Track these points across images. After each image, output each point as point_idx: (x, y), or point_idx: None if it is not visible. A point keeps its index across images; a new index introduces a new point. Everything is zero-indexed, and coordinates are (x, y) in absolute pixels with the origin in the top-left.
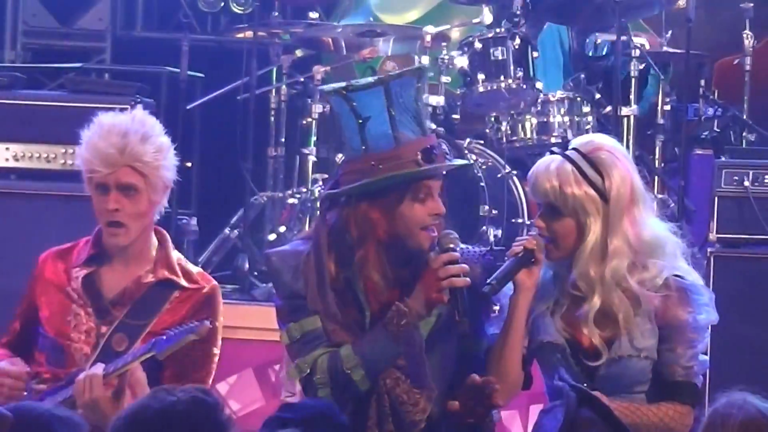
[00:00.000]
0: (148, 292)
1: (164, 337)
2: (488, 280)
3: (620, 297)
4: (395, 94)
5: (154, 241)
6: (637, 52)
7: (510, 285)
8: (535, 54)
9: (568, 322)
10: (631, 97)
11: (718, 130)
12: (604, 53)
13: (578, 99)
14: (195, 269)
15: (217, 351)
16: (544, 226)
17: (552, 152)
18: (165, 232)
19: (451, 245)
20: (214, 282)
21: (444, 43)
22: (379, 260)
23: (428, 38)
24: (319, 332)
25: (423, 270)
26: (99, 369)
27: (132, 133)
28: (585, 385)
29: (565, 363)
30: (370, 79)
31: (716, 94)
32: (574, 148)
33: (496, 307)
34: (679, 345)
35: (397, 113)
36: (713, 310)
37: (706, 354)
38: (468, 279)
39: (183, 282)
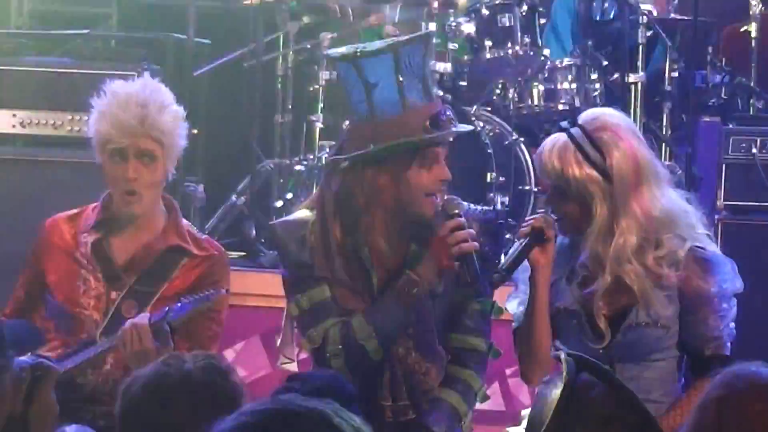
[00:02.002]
0: (158, 259)
1: (179, 304)
2: (499, 267)
3: (633, 270)
4: (404, 60)
5: (163, 208)
6: (645, 19)
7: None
8: (542, 21)
9: (584, 290)
10: (639, 64)
11: (725, 97)
12: (611, 17)
13: (586, 66)
14: (204, 236)
15: (224, 317)
16: (553, 207)
17: (560, 127)
18: (173, 199)
19: (456, 210)
20: (223, 250)
21: (451, 10)
22: (385, 226)
23: (435, 5)
24: (328, 302)
25: (429, 237)
26: (145, 319)
27: (151, 103)
28: (601, 351)
29: (581, 330)
30: (380, 45)
31: (723, 62)
32: (579, 125)
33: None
34: (709, 316)
35: (405, 79)
36: (737, 278)
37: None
38: (476, 243)
39: (192, 248)
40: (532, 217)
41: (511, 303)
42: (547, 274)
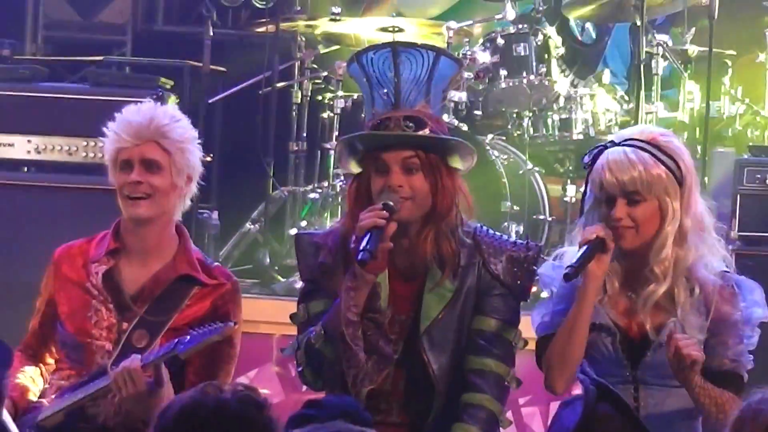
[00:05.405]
0: (168, 288)
1: (188, 338)
2: (567, 265)
3: (683, 283)
4: (368, 69)
5: (174, 237)
6: (660, 50)
7: (556, 273)
8: (558, 50)
9: (618, 310)
10: (654, 94)
11: (740, 128)
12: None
13: (601, 95)
14: (214, 264)
15: (237, 347)
16: (627, 215)
17: (607, 146)
18: (184, 227)
19: (390, 203)
20: (234, 278)
21: (466, 39)
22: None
23: (451, 34)
24: (321, 316)
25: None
26: (136, 362)
27: (161, 111)
28: (628, 373)
29: (612, 347)
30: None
31: (738, 92)
32: (632, 139)
33: (544, 293)
34: (730, 338)
35: (372, 88)
36: (765, 306)
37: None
38: (380, 221)
39: (203, 278)
40: (594, 226)
41: (536, 312)
42: (598, 286)
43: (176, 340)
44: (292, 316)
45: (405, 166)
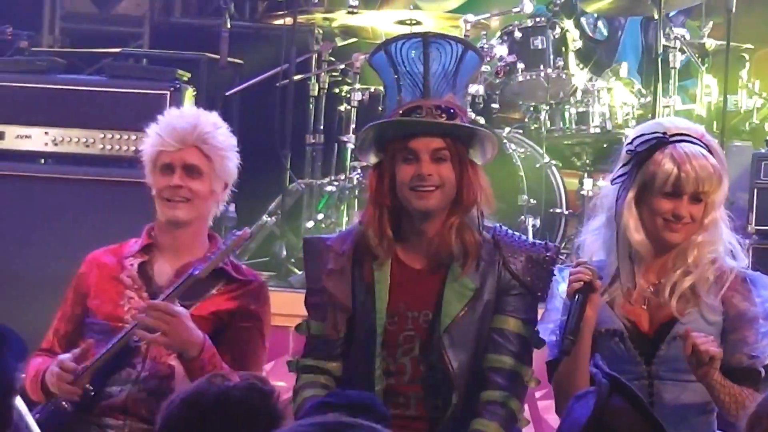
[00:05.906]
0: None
1: (201, 265)
2: (565, 335)
3: (708, 272)
4: (396, 58)
5: (206, 241)
6: (678, 43)
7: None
8: (575, 43)
9: (626, 309)
10: (672, 87)
11: (757, 122)
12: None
13: (618, 88)
14: (242, 265)
15: (267, 339)
16: (689, 213)
17: (665, 138)
18: (216, 234)
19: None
20: (262, 278)
21: (483, 32)
22: (376, 220)
23: (468, 27)
24: (320, 341)
25: (411, 233)
26: (169, 304)
27: (205, 118)
28: (643, 368)
29: (624, 346)
30: (377, 44)
31: (756, 86)
32: (689, 135)
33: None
34: (750, 335)
35: (400, 76)
36: None
37: None
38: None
39: (231, 271)
40: (576, 270)
41: (542, 331)
42: (593, 325)
43: (192, 268)
44: (297, 327)
45: (434, 156)
